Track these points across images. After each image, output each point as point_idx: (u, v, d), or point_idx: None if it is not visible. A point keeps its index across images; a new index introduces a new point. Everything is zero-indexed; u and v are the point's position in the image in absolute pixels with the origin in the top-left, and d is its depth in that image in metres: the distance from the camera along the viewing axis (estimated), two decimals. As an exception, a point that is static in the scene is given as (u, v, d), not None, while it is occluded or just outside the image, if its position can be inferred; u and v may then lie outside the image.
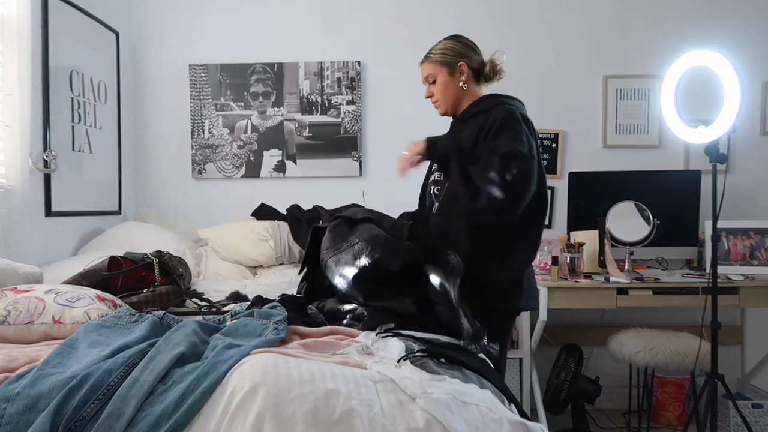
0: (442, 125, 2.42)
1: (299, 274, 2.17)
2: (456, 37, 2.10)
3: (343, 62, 3.51)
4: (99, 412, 1.14)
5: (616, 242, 3.08)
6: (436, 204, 2.03)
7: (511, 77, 3.43)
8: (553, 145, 3.52)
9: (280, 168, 3.52)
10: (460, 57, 2.05)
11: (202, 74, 3.50)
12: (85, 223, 2.99)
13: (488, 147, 1.85)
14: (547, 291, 2.84)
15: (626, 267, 3.04)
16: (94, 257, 2.50)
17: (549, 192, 3.52)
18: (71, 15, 2.86)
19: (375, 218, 1.97)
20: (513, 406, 1.35)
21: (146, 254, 2.23)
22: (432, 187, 2.09)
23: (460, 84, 2.05)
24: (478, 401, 1.20)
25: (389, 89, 3.50)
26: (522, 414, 1.34)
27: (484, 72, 2.08)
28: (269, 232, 3.02)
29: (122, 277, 2.11)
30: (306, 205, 3.24)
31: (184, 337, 1.36)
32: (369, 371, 1.26)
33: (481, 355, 1.57)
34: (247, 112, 3.52)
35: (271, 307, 1.65)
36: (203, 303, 2.22)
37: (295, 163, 3.52)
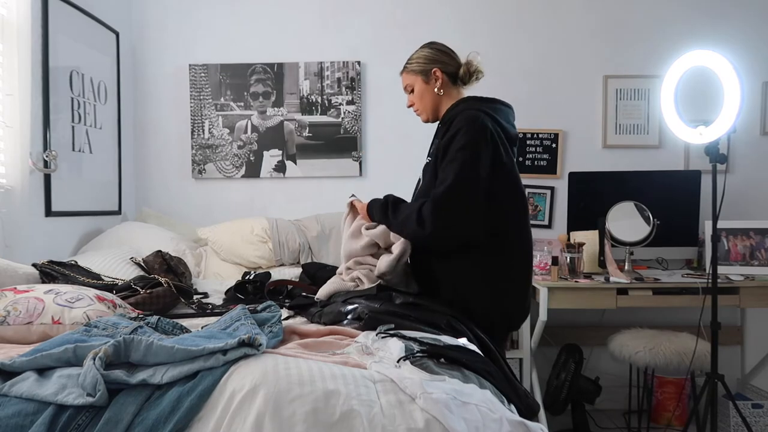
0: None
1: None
2: (430, 44, 2.13)
3: (343, 62, 3.51)
4: (96, 418, 1.13)
5: (616, 242, 3.08)
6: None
7: (511, 77, 3.47)
8: (553, 145, 3.51)
9: (280, 168, 3.52)
10: (433, 63, 2.07)
11: (202, 74, 3.50)
12: (85, 223, 2.99)
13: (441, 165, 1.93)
14: (547, 291, 2.83)
15: (626, 267, 3.04)
16: (94, 257, 2.51)
17: (549, 192, 3.52)
18: (71, 15, 2.86)
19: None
20: (513, 406, 1.35)
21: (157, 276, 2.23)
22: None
23: (436, 90, 2.08)
24: (478, 401, 1.20)
25: (389, 89, 3.49)
26: (522, 414, 1.34)
27: (459, 75, 2.09)
28: (267, 233, 3.01)
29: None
30: (305, 206, 3.24)
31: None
32: (369, 371, 1.26)
33: (468, 345, 1.58)
34: (247, 112, 3.52)
35: (265, 307, 1.65)
36: (204, 304, 2.22)
37: (295, 163, 3.52)
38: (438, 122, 2.15)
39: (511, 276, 1.96)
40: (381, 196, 2.09)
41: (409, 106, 2.18)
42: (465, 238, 1.90)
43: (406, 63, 2.15)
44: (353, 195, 2.20)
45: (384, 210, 2.01)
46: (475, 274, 1.92)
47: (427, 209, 1.85)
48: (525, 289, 2.01)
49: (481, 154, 1.86)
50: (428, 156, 2.09)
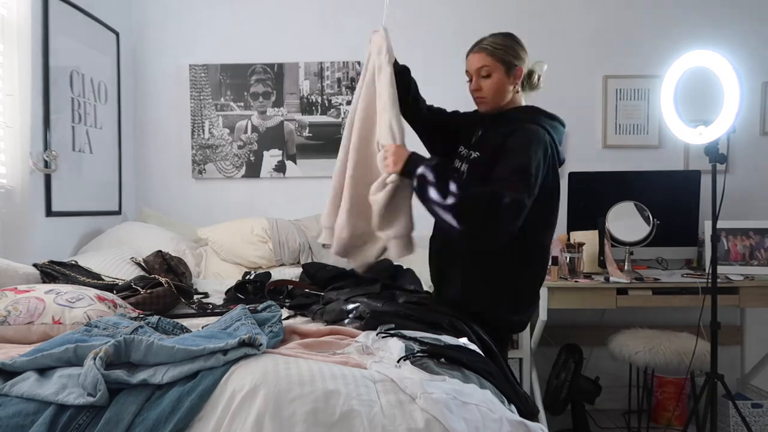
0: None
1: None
2: (514, 37, 1.97)
3: (343, 62, 3.51)
4: (97, 418, 1.13)
5: (616, 242, 3.08)
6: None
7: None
8: (553, 145, 3.51)
9: (280, 168, 3.52)
10: (518, 60, 1.94)
11: (202, 74, 3.50)
12: (85, 223, 2.99)
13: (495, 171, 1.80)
14: (547, 291, 2.84)
15: (626, 267, 3.04)
16: (94, 257, 2.51)
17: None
18: (71, 15, 2.86)
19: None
20: (513, 407, 1.35)
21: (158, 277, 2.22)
22: (456, 162, 2.04)
23: (512, 87, 1.95)
24: (478, 401, 1.20)
25: (389, 89, 3.49)
26: (522, 414, 1.34)
27: (531, 80, 1.99)
28: (267, 233, 3.01)
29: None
30: (305, 206, 3.25)
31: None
32: (369, 371, 1.26)
33: (468, 345, 1.58)
34: (247, 112, 3.52)
35: (265, 307, 1.65)
36: (204, 303, 2.23)
37: (295, 163, 3.52)
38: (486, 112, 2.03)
39: (512, 279, 1.95)
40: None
41: (475, 90, 1.96)
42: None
43: (490, 45, 1.93)
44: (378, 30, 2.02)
45: (442, 175, 1.77)
46: (475, 273, 1.92)
47: (500, 214, 1.71)
48: (527, 296, 2.00)
49: (538, 176, 1.80)
50: (472, 149, 1.98)
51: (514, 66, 1.93)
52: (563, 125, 2.00)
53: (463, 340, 1.60)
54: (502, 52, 1.92)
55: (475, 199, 1.73)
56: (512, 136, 1.85)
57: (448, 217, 1.73)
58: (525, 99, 2.04)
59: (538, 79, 2.01)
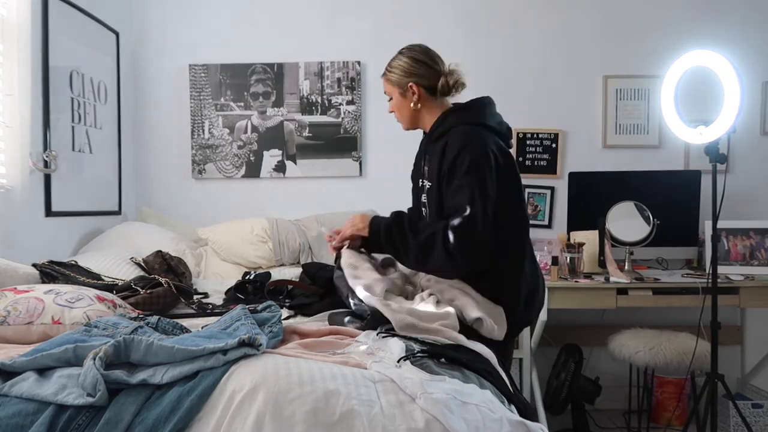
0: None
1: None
2: (409, 51, 1.98)
3: (343, 62, 3.51)
4: (96, 418, 1.13)
5: (616, 242, 3.08)
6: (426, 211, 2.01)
7: (511, 77, 3.47)
8: (553, 145, 3.51)
9: (280, 168, 3.52)
10: (409, 77, 1.93)
11: (202, 74, 3.50)
12: (85, 223, 2.99)
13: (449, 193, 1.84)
14: (547, 291, 2.83)
15: (626, 267, 3.04)
16: (94, 257, 2.50)
17: (549, 192, 3.52)
18: (71, 15, 2.86)
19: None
20: (513, 407, 1.35)
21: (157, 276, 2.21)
22: (420, 195, 2.05)
23: (411, 105, 1.95)
24: (478, 401, 1.20)
25: (389, 89, 3.49)
26: (523, 414, 1.34)
27: (438, 88, 1.94)
28: (267, 233, 3.01)
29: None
30: (305, 206, 3.25)
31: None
32: (369, 371, 1.26)
33: (481, 347, 1.56)
34: (247, 112, 3.52)
35: (265, 307, 1.65)
36: (204, 303, 2.23)
37: (295, 163, 3.52)
38: (423, 137, 2.08)
39: (501, 282, 1.92)
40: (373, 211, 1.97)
41: (391, 112, 2.06)
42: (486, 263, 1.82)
43: (386, 68, 2.01)
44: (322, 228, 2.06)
45: (401, 228, 1.85)
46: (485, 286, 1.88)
47: (452, 244, 1.73)
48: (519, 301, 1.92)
49: (486, 174, 1.78)
50: (424, 178, 2.00)
51: (406, 84, 1.95)
52: (486, 103, 1.96)
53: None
54: (391, 74, 1.98)
55: (427, 239, 1.79)
56: (450, 157, 1.83)
57: (440, 261, 1.78)
58: (461, 99, 1.99)
59: (450, 84, 1.95)
